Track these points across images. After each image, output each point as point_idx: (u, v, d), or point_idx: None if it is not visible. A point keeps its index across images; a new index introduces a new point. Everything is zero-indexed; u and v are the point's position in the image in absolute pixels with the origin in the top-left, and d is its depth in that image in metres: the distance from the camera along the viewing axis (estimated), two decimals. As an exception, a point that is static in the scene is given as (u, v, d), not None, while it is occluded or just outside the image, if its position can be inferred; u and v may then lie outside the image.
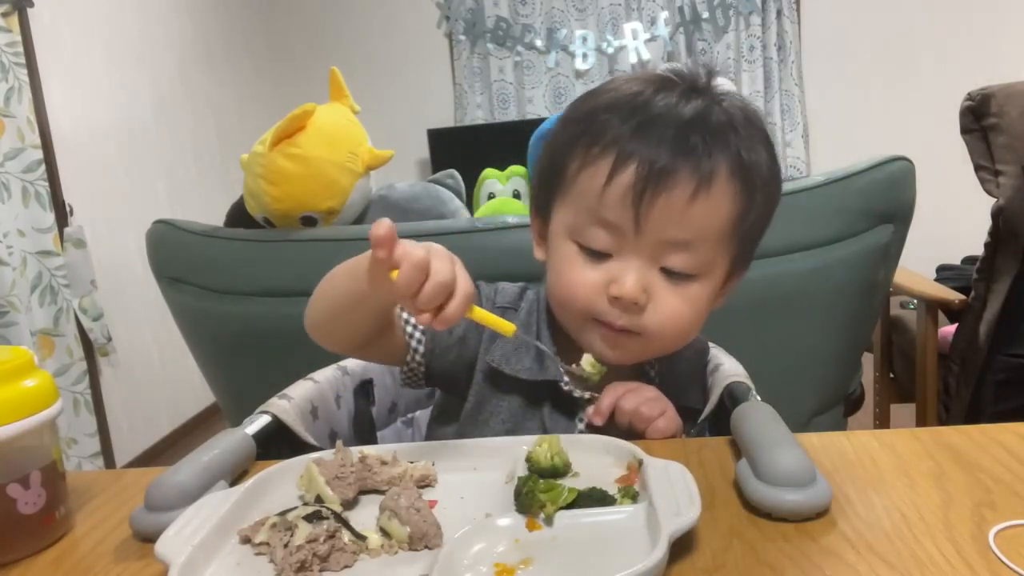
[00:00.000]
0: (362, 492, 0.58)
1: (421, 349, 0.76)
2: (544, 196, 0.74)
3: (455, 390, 0.78)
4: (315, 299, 0.71)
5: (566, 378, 0.74)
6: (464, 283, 0.58)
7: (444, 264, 0.57)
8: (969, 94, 1.70)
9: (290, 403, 0.77)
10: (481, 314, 0.61)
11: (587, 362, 0.71)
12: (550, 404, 0.75)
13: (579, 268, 0.69)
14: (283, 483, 0.59)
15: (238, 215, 1.55)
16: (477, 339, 0.77)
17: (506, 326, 0.61)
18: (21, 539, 0.55)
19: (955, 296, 1.79)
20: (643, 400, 0.70)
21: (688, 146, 0.64)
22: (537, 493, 0.51)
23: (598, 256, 0.68)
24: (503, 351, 0.75)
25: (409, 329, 0.75)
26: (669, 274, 0.67)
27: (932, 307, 1.84)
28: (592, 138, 0.67)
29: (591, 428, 0.73)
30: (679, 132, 0.64)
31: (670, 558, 0.45)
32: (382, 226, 0.55)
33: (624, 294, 0.66)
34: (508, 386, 0.75)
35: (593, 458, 0.60)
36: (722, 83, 0.70)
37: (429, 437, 0.86)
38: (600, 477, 0.57)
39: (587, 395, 0.74)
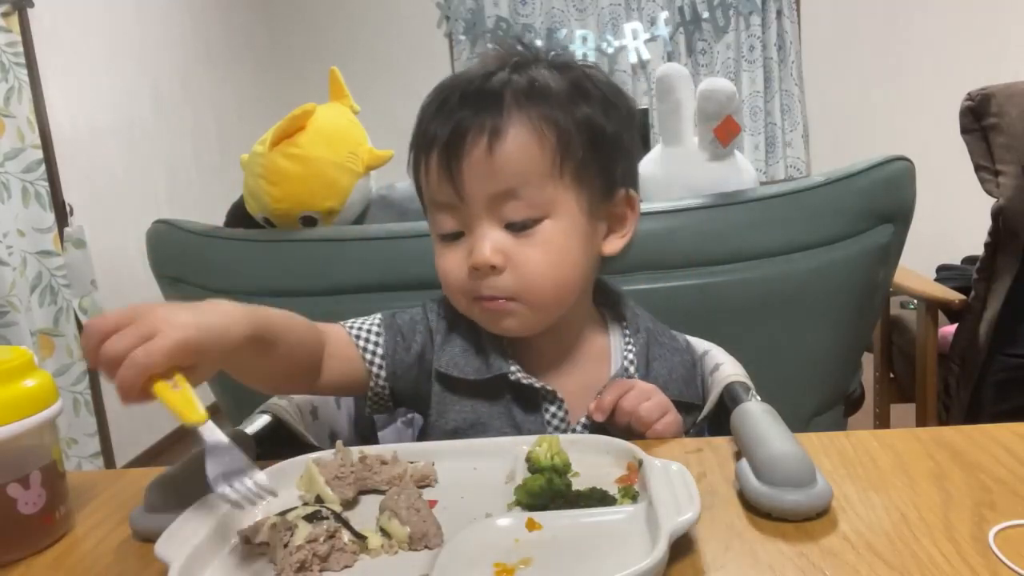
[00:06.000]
0: (362, 492, 0.58)
1: (383, 374, 0.75)
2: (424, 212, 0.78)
3: (421, 405, 0.78)
4: None
5: (513, 368, 0.74)
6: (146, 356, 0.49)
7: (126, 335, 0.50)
8: (969, 94, 1.70)
9: (290, 403, 0.77)
10: (165, 395, 0.50)
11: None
12: (510, 397, 0.75)
13: (444, 255, 0.73)
14: (283, 483, 0.59)
15: (238, 215, 1.55)
16: (431, 351, 0.76)
17: (192, 414, 0.50)
18: (21, 539, 0.55)
19: (955, 296, 1.79)
20: (644, 401, 0.70)
21: (470, 110, 0.69)
22: (538, 491, 0.52)
23: (453, 238, 0.72)
24: (451, 355, 0.75)
25: (368, 356, 0.75)
26: (516, 228, 0.70)
27: (932, 307, 1.83)
28: (417, 143, 0.74)
29: (592, 425, 0.73)
30: (461, 101, 0.70)
31: (670, 558, 0.45)
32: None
33: (477, 261, 0.69)
34: (463, 390, 0.75)
35: (593, 458, 0.60)
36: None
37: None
38: (600, 477, 0.57)
39: (538, 384, 0.74)
